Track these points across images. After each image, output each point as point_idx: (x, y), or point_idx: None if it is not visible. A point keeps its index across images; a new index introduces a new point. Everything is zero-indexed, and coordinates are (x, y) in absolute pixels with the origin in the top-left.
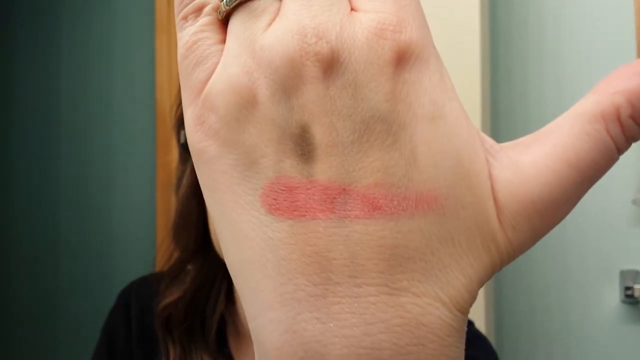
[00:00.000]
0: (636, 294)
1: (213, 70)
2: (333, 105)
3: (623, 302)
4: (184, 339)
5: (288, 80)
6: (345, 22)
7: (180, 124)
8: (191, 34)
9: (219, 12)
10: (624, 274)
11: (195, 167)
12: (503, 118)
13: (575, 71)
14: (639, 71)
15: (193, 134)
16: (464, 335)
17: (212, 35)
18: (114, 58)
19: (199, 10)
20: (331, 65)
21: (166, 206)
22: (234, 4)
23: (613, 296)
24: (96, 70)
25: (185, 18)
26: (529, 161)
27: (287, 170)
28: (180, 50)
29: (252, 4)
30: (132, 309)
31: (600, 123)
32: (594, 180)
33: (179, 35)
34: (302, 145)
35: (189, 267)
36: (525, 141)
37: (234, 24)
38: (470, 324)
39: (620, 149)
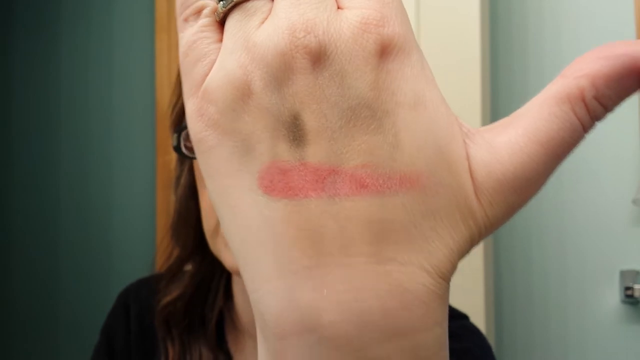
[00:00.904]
0: (636, 294)
1: (211, 67)
2: (322, 93)
3: (623, 302)
4: (184, 335)
5: (279, 73)
6: (332, 18)
7: (174, 126)
8: (192, 34)
9: (217, 13)
10: (624, 274)
11: (197, 156)
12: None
13: None
14: (603, 55)
15: (194, 125)
16: (447, 302)
17: (211, 35)
18: (114, 58)
19: (198, 12)
20: (319, 57)
21: (166, 206)
22: (230, 5)
23: (613, 296)
24: (96, 70)
25: (186, 20)
26: (503, 142)
27: (281, 154)
28: (182, 49)
29: (245, 5)
30: (132, 310)
31: (567, 104)
32: (563, 157)
33: (180, 35)
34: (294, 131)
35: (188, 265)
36: (500, 124)
37: (230, 24)
38: (465, 318)
39: (586, 128)
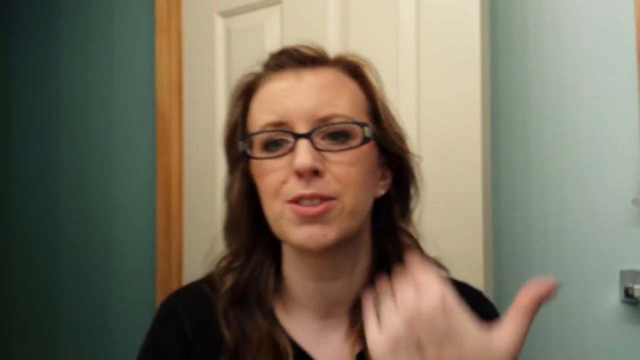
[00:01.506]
0: (636, 294)
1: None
2: (427, 332)
3: (623, 302)
4: (243, 315)
5: (410, 331)
6: (424, 305)
7: (230, 139)
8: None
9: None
10: (624, 274)
11: None
12: (503, 118)
13: (575, 71)
14: (529, 291)
15: (377, 353)
16: None
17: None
18: (114, 58)
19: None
20: (420, 320)
21: (166, 206)
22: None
23: (613, 296)
24: (96, 70)
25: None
26: (504, 336)
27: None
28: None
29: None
30: (179, 312)
31: (520, 317)
32: (525, 337)
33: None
34: (420, 352)
35: (237, 262)
36: (498, 328)
37: (382, 314)
38: (466, 285)
39: (530, 324)
